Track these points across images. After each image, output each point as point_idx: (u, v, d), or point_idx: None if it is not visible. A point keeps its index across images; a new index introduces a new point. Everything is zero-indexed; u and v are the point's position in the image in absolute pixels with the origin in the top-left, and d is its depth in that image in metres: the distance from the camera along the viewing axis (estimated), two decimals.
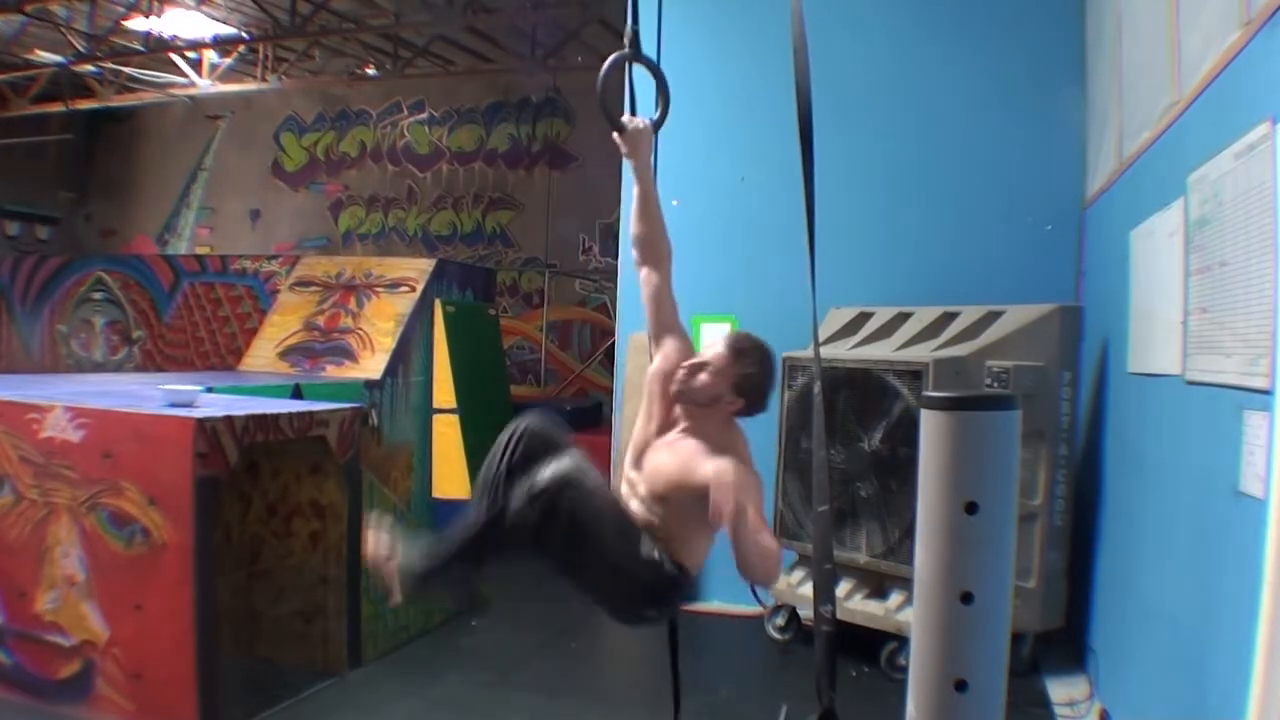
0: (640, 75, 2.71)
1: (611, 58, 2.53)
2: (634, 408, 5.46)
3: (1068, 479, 4.20)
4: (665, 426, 2.31)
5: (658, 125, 2.51)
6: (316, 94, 11.12)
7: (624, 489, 2.32)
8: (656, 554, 2.17)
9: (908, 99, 5.21)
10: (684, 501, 2.16)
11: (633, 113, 2.53)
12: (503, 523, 2.11)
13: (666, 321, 2.45)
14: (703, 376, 2.25)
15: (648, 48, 6.01)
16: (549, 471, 2.11)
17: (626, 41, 2.58)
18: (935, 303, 4.65)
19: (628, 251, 5.65)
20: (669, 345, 2.39)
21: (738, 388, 2.26)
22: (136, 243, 12.28)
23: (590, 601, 2.23)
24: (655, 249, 2.47)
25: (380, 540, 2.27)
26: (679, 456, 2.21)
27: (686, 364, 2.27)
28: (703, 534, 2.24)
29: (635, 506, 2.27)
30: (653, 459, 2.26)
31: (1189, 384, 2.64)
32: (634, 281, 5.93)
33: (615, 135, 2.47)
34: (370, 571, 2.31)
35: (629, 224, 2.47)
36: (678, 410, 2.31)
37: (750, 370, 2.28)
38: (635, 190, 2.44)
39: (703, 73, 5.62)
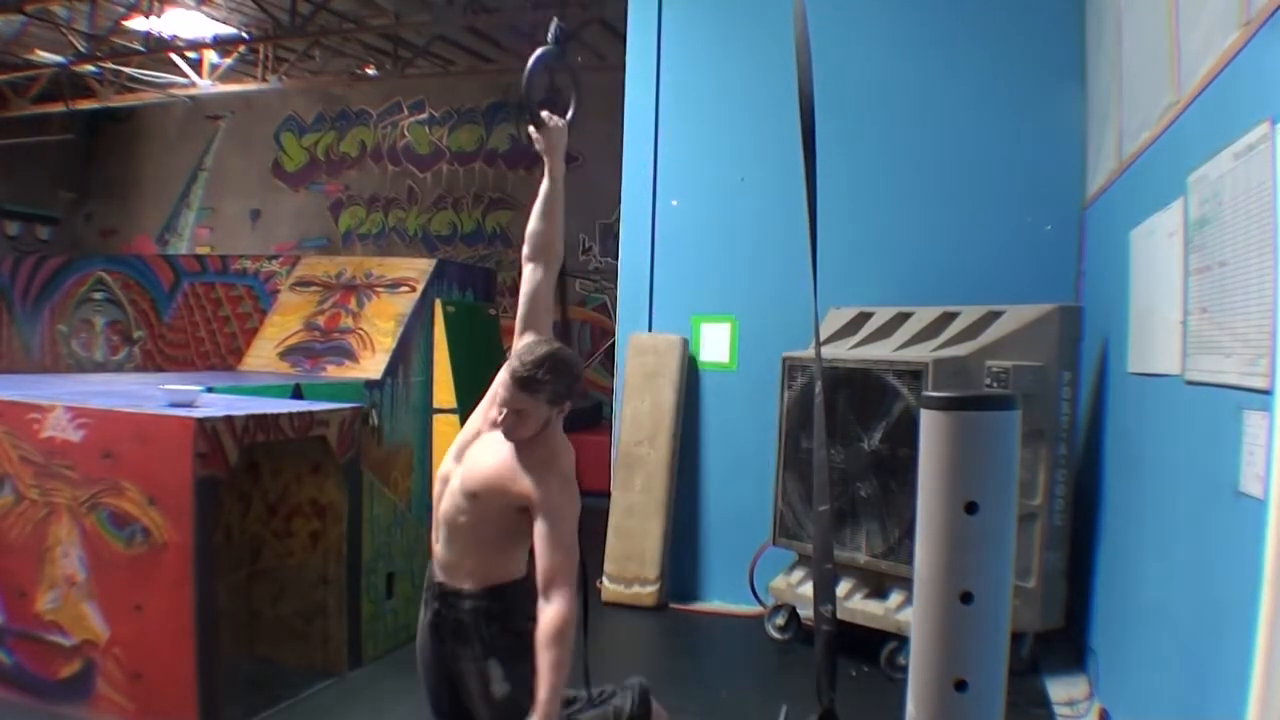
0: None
1: (537, 54, 2.53)
2: (634, 408, 5.48)
3: (1068, 479, 4.20)
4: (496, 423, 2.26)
5: (535, 120, 2.50)
6: (316, 94, 11.12)
7: (438, 485, 2.30)
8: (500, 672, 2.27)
9: (908, 99, 5.21)
10: (493, 507, 2.19)
11: (554, 109, 2.53)
12: None
13: (538, 323, 2.43)
14: (522, 426, 2.21)
15: (648, 48, 6.04)
16: None
17: (551, 38, 2.58)
18: (935, 303, 4.65)
19: (630, 251, 5.71)
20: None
21: (553, 403, 2.24)
22: (137, 243, 12.29)
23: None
24: (550, 249, 2.44)
25: None
26: (500, 460, 2.21)
27: (502, 415, 2.21)
28: (517, 541, 2.26)
29: (446, 501, 2.26)
30: (476, 454, 2.24)
31: (1189, 384, 2.64)
32: (635, 281, 5.98)
33: (533, 131, 2.47)
34: None
35: (532, 219, 2.45)
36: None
37: (554, 389, 2.23)
38: (545, 188, 2.43)
39: (703, 73, 5.63)
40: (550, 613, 2.08)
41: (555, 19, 2.60)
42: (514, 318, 2.48)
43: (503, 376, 2.26)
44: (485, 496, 2.20)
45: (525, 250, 2.45)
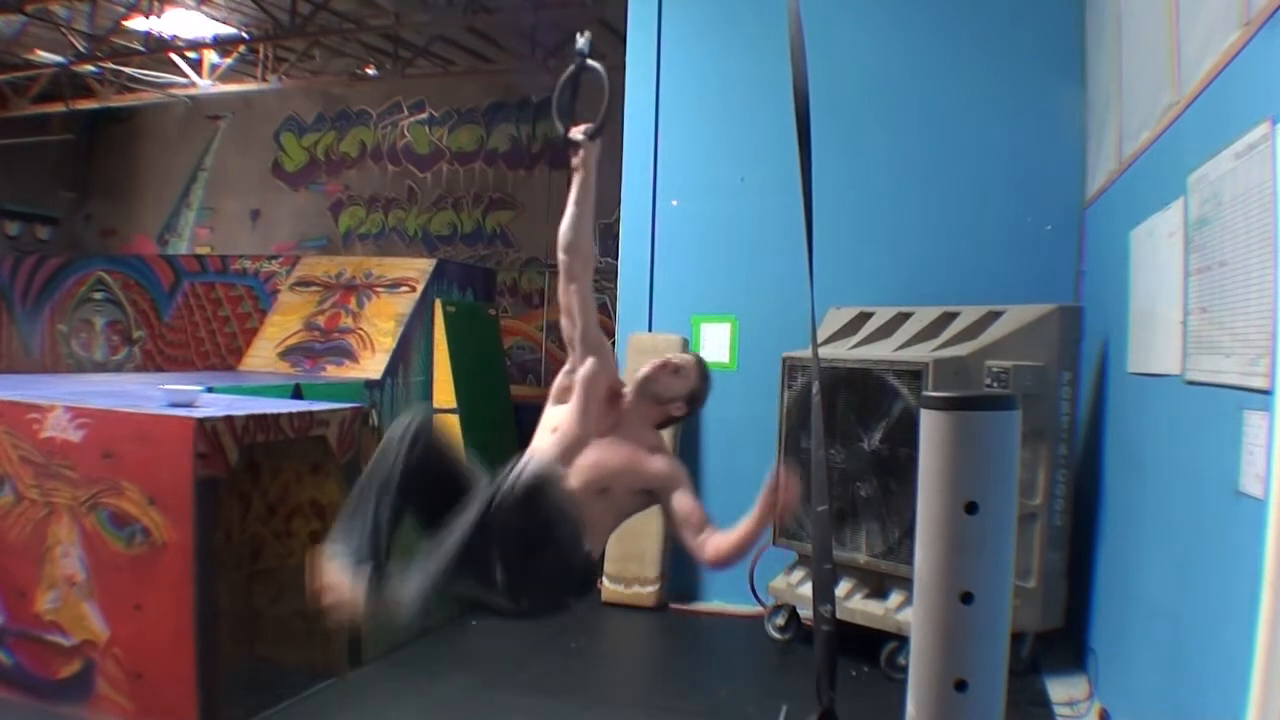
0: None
1: (565, 74, 2.57)
2: None
3: (1068, 479, 4.20)
4: (603, 428, 2.51)
5: (595, 134, 2.56)
6: (316, 94, 11.11)
7: None
8: (588, 546, 2.39)
9: (908, 99, 5.21)
10: (622, 494, 2.46)
11: (576, 119, 2.59)
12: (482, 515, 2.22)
13: (598, 330, 2.62)
14: (675, 380, 2.59)
15: (648, 48, 6.03)
16: (533, 468, 2.30)
17: (581, 52, 2.61)
18: (935, 303, 4.65)
19: (630, 251, 5.70)
20: (605, 353, 2.57)
21: (691, 398, 2.64)
22: (136, 243, 12.28)
23: (510, 598, 2.27)
24: (589, 260, 2.61)
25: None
26: (624, 453, 2.48)
27: (662, 363, 2.59)
28: (612, 526, 2.53)
29: None
30: (592, 455, 2.45)
31: (1189, 384, 2.64)
32: (635, 281, 5.97)
33: (572, 149, 2.56)
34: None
35: (569, 234, 2.55)
36: (616, 414, 2.55)
37: (704, 390, 2.67)
38: (587, 201, 2.54)
39: (703, 73, 5.63)
40: (715, 538, 2.45)
41: (580, 34, 2.61)
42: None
43: (594, 370, 2.53)
44: (616, 487, 2.45)
45: (567, 260, 2.54)
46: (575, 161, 2.57)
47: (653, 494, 2.50)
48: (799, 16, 2.48)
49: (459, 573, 2.21)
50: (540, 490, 2.24)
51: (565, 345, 2.69)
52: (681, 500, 2.47)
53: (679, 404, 2.61)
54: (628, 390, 2.61)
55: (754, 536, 2.42)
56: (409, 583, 2.26)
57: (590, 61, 2.58)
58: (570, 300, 2.58)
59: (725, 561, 2.42)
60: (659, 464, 2.50)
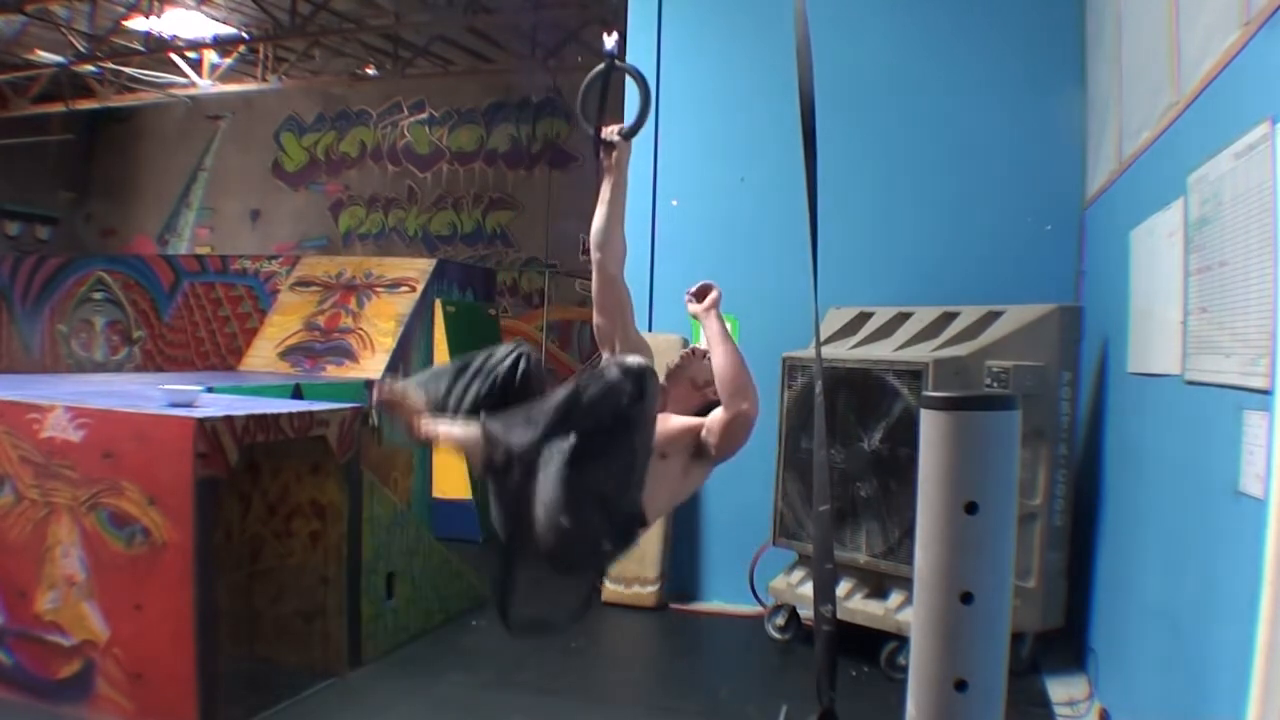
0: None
1: (593, 73, 2.55)
2: None
3: (1068, 479, 4.20)
4: None
5: (632, 133, 2.54)
6: (316, 94, 11.12)
7: None
8: (644, 501, 2.42)
9: (907, 99, 5.21)
10: (678, 461, 2.51)
11: (607, 120, 2.57)
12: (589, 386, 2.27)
13: (636, 328, 2.70)
14: (707, 364, 2.66)
15: (648, 47, 6.01)
16: (644, 362, 2.33)
17: (609, 50, 2.59)
18: (935, 303, 4.65)
19: (634, 252, 5.68)
20: (647, 351, 2.60)
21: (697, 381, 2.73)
22: (136, 243, 12.29)
23: (553, 523, 2.25)
24: (623, 258, 2.65)
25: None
26: (672, 420, 2.56)
27: (691, 350, 2.78)
28: (664, 500, 2.55)
29: None
30: None
31: (1189, 384, 2.64)
32: (634, 281, 5.90)
33: (605, 149, 2.53)
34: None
35: (603, 234, 2.55)
36: (661, 400, 2.56)
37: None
38: (620, 201, 2.54)
39: (702, 73, 5.62)
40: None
41: (608, 34, 2.59)
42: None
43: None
44: (672, 451, 2.51)
45: (607, 263, 2.56)
46: (608, 162, 2.55)
47: (704, 455, 2.53)
48: (805, 17, 2.49)
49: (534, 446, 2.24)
50: (645, 378, 2.26)
51: (599, 343, 2.68)
52: (713, 415, 2.53)
53: (715, 387, 2.63)
54: (663, 382, 2.63)
55: (719, 339, 2.51)
56: (512, 430, 2.30)
57: (619, 62, 2.57)
58: (606, 299, 2.60)
59: (739, 378, 2.47)
60: (694, 422, 2.57)
